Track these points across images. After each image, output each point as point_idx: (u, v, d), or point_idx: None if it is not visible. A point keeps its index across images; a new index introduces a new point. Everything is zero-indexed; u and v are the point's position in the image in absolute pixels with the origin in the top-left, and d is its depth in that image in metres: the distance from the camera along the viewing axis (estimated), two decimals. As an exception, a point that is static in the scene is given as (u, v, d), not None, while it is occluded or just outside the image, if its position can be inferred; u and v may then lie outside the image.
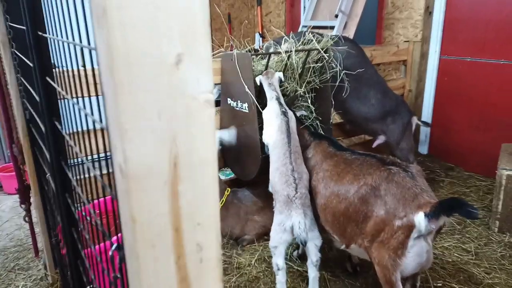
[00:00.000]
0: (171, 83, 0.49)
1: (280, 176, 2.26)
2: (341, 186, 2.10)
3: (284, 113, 2.41)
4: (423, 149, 4.51)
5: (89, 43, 0.79)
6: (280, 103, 2.46)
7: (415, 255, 1.80)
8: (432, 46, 4.18)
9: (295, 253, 2.76)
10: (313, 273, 2.24)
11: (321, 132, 2.90)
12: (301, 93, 2.92)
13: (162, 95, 0.49)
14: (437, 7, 4.06)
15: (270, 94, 2.52)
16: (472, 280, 2.48)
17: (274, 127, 2.40)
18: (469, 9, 3.84)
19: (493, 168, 3.06)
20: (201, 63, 0.51)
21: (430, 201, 1.78)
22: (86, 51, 0.81)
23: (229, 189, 2.88)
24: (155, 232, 0.48)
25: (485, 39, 3.70)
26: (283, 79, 2.67)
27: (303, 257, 2.46)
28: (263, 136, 2.47)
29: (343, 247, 2.17)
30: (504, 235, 2.94)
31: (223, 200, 2.83)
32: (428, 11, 4.09)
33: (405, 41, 4.24)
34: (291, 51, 2.88)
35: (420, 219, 1.74)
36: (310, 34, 3.07)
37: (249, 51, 3.06)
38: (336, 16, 4.01)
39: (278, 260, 2.20)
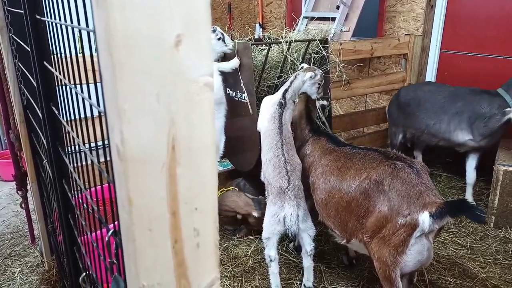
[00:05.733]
0: (171, 65, 0.48)
1: (273, 167, 2.26)
2: (343, 181, 2.08)
3: (281, 105, 2.39)
4: (421, 143, 4.51)
5: (87, 27, 0.78)
6: (283, 95, 2.43)
7: (416, 253, 1.79)
8: (433, 40, 4.16)
9: (291, 244, 2.77)
10: (307, 263, 2.26)
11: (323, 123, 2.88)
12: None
13: (162, 77, 0.48)
14: (439, 1, 4.03)
15: (284, 86, 2.49)
16: (467, 274, 2.50)
17: (267, 115, 2.40)
18: (471, 4, 3.81)
19: (491, 164, 3.06)
20: (201, 46, 0.50)
21: (436, 200, 1.74)
22: (84, 35, 0.80)
23: (236, 189, 2.88)
24: (152, 215, 0.47)
25: (486, 34, 3.68)
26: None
27: (299, 249, 2.47)
28: (258, 123, 2.47)
29: (343, 242, 2.15)
30: (500, 230, 2.96)
31: (223, 190, 2.83)
32: (430, 5, 4.06)
33: (406, 35, 4.21)
34: (292, 41, 2.86)
35: (425, 218, 1.71)
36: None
37: (250, 40, 3.04)
38: (338, 7, 3.98)
39: (271, 252, 2.21)
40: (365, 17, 4.33)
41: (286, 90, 2.43)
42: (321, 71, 2.52)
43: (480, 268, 2.56)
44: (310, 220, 2.26)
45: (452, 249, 2.74)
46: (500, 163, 2.94)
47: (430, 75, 4.26)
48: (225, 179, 3.06)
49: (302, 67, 2.60)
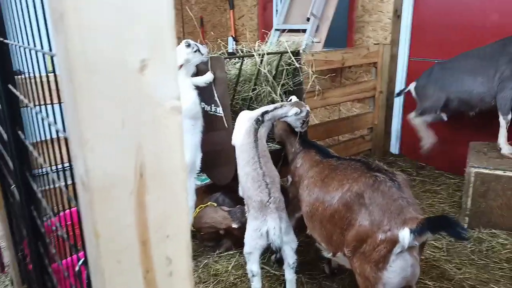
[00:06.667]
0: (136, 90, 0.47)
1: (252, 181, 2.24)
2: (326, 193, 2.06)
3: (258, 121, 2.38)
4: (395, 149, 4.61)
5: (50, 49, 0.75)
6: (263, 114, 2.42)
7: (398, 269, 1.76)
8: (401, 48, 4.29)
9: (273, 257, 2.75)
10: (290, 276, 2.24)
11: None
12: (276, 96, 2.93)
13: (126, 102, 0.46)
14: (405, 10, 4.17)
15: (266, 107, 2.48)
16: (445, 276, 2.55)
17: (242, 130, 2.39)
18: (435, 13, 3.97)
19: (462, 166, 3.16)
20: (167, 69, 0.49)
21: (417, 216, 1.72)
22: (48, 58, 0.77)
23: (214, 204, 2.84)
24: (120, 246, 0.45)
25: (451, 41, 3.82)
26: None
27: (280, 261, 2.46)
28: (233, 137, 2.46)
29: (330, 255, 2.13)
30: (473, 230, 3.03)
31: (201, 207, 2.80)
32: (397, 15, 4.19)
33: (375, 44, 4.32)
34: (264, 53, 2.88)
35: (405, 235, 1.68)
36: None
37: (223, 54, 3.04)
38: (308, 19, 4.05)
39: (253, 266, 2.19)
40: (335, 28, 4.42)
41: (267, 112, 2.42)
42: (308, 109, 2.49)
43: (457, 269, 2.61)
44: (293, 232, 2.26)
45: (429, 252, 2.79)
46: (471, 165, 3.03)
47: (400, 82, 4.38)
48: (203, 193, 3.02)
49: (291, 100, 2.58)
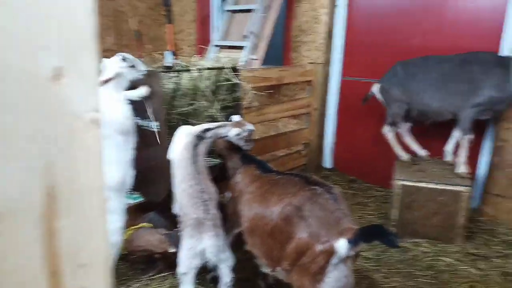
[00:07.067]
0: (48, 100, 0.42)
1: (188, 198, 2.18)
2: (266, 207, 2.07)
3: (198, 137, 2.34)
4: (328, 163, 4.80)
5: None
6: (204, 131, 2.37)
7: (334, 280, 1.80)
8: (334, 67, 4.52)
9: (208, 276, 2.67)
10: (226, 295, 2.19)
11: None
12: (214, 111, 2.91)
13: (36, 114, 0.41)
14: (338, 32, 4.42)
15: (208, 125, 2.42)
16: (374, 286, 2.66)
17: (181, 145, 2.33)
18: (366, 34, 4.24)
19: (389, 180, 3.36)
20: (86, 79, 0.45)
21: (352, 227, 1.79)
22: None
23: (149, 225, 2.69)
24: (25, 279, 0.40)
25: (379, 61, 4.10)
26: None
27: (216, 280, 2.39)
28: (170, 151, 2.38)
29: (269, 270, 2.13)
30: (399, 240, 3.21)
31: (134, 228, 2.64)
32: (330, 36, 4.42)
33: (310, 63, 4.51)
34: (202, 68, 2.86)
35: (342, 245, 1.73)
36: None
37: (160, 67, 2.97)
38: (246, 37, 4.11)
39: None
40: (273, 46, 4.55)
41: (208, 129, 2.38)
42: (251, 128, 2.48)
43: (385, 278, 2.74)
44: (229, 250, 2.22)
45: (360, 263, 2.90)
46: (397, 178, 3.24)
47: (333, 100, 4.60)
48: (135, 213, 2.87)
49: (231, 120, 2.55)
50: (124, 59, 2.44)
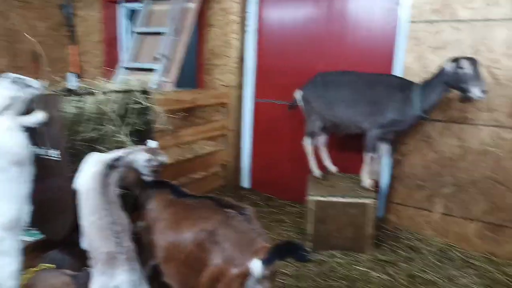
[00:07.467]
0: None
1: (98, 231, 2.01)
2: (179, 235, 1.98)
3: (109, 166, 2.18)
4: (246, 183, 4.86)
5: None
6: (115, 160, 2.21)
7: None
8: (247, 90, 4.65)
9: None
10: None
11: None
12: (122, 136, 2.76)
13: None
14: (249, 56, 4.57)
15: (118, 153, 2.25)
16: (295, 302, 2.71)
17: (89, 174, 2.16)
18: (275, 59, 4.44)
19: (303, 195, 3.49)
20: None
21: (266, 246, 1.77)
22: None
23: (51, 266, 2.39)
24: None
25: (288, 85, 4.30)
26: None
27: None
28: (76, 180, 2.18)
29: None
30: (316, 254, 3.34)
31: (33, 270, 2.34)
32: (241, 60, 4.55)
33: (224, 86, 4.57)
34: (108, 92, 2.71)
35: (256, 266, 1.71)
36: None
37: (61, 90, 2.75)
38: (156, 58, 4.04)
39: None
40: (186, 69, 4.53)
41: (118, 158, 2.22)
42: (163, 159, 2.30)
43: (305, 293, 2.81)
44: (146, 284, 2.08)
45: (280, 280, 2.94)
46: (310, 194, 3.38)
47: (248, 122, 4.70)
48: (33, 252, 2.55)
49: (146, 144, 2.39)
50: (14, 81, 2.21)
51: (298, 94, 3.72)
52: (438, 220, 3.57)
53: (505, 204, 3.27)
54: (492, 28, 3.17)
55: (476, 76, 2.86)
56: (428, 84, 3.12)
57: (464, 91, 2.92)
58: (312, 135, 3.70)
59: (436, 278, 3.00)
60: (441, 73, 3.01)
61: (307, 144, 3.75)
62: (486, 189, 3.34)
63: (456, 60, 2.92)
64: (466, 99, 2.96)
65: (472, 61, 2.90)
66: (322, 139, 3.79)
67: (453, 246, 3.45)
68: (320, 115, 3.58)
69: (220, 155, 4.57)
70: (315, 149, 3.81)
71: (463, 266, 3.19)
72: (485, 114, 3.28)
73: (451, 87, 3.02)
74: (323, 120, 3.59)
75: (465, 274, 3.06)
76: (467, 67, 2.87)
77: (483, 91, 2.85)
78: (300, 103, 3.71)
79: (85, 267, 2.24)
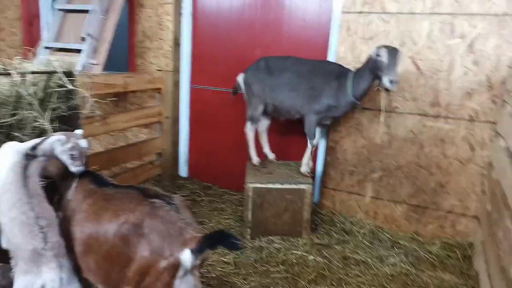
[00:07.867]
0: None
1: (20, 227, 1.81)
2: (99, 227, 1.84)
3: (27, 156, 1.95)
4: (184, 172, 4.73)
5: None
6: (33, 148, 1.97)
7: None
8: (183, 76, 4.48)
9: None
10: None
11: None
12: (44, 122, 2.50)
13: None
14: (185, 40, 4.40)
15: (35, 141, 2.00)
16: (234, 289, 2.69)
17: (6, 166, 1.92)
18: (211, 45, 4.32)
19: (242, 183, 3.47)
20: None
21: (196, 235, 1.72)
22: None
23: None
24: None
25: (224, 71, 4.23)
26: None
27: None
28: None
29: None
30: (255, 240, 3.36)
31: None
32: (177, 44, 4.36)
33: (158, 70, 4.36)
34: (26, 72, 2.43)
35: (186, 256, 1.66)
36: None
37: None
38: (83, 39, 3.73)
39: None
40: (117, 51, 4.24)
41: (35, 147, 1.99)
42: (83, 145, 2.08)
43: (244, 280, 2.80)
44: (76, 281, 1.91)
45: (219, 268, 2.91)
46: (249, 181, 3.37)
47: (184, 108, 4.55)
48: None
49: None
50: None
51: (240, 78, 3.66)
52: (369, 204, 3.77)
53: (427, 187, 3.53)
54: (416, 22, 3.35)
55: (390, 66, 2.88)
56: (359, 72, 3.22)
57: (380, 79, 2.98)
58: (253, 119, 3.65)
59: (367, 259, 3.16)
60: (368, 60, 3.11)
61: (249, 130, 3.72)
62: (410, 174, 3.57)
63: (377, 48, 2.99)
64: (383, 88, 3.01)
65: (391, 50, 2.91)
66: (263, 125, 3.78)
67: (383, 228, 3.65)
68: (262, 99, 3.55)
69: (155, 143, 4.38)
70: (256, 136, 3.79)
71: (392, 247, 3.40)
72: (410, 103, 3.49)
73: (374, 75, 3.06)
74: (264, 104, 3.56)
75: (394, 254, 3.26)
76: (383, 56, 2.91)
77: (392, 81, 2.87)
78: (242, 86, 3.66)
79: (3, 265, 2.02)
